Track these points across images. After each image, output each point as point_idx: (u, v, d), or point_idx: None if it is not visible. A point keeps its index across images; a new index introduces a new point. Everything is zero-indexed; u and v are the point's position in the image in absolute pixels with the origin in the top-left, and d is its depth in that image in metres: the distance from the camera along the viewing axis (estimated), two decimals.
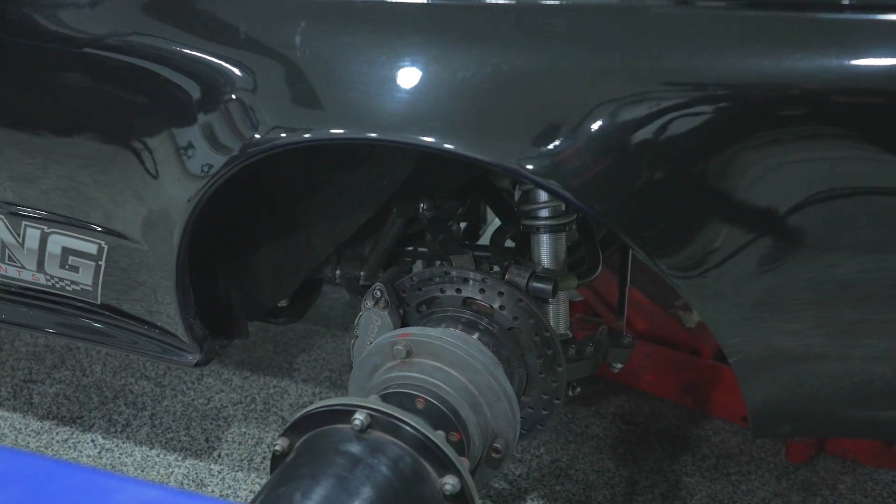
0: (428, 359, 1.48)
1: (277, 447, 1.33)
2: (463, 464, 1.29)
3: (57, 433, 2.38)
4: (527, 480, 2.18)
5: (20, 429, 2.40)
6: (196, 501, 0.67)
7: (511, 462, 2.23)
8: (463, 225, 2.25)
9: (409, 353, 1.49)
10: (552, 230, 1.68)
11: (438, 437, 1.29)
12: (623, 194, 1.30)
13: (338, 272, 1.94)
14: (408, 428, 1.27)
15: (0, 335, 2.86)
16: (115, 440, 2.35)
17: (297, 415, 1.34)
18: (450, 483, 1.25)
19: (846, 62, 1.18)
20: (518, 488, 2.16)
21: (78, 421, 2.43)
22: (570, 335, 1.73)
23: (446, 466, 1.27)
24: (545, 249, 1.70)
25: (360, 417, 1.27)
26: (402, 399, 1.43)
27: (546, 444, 2.31)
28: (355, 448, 1.25)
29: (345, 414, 1.29)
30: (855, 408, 1.39)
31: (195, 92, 1.47)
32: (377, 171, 1.77)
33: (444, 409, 1.43)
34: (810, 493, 2.14)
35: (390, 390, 1.46)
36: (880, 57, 1.16)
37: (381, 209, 1.83)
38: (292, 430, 1.34)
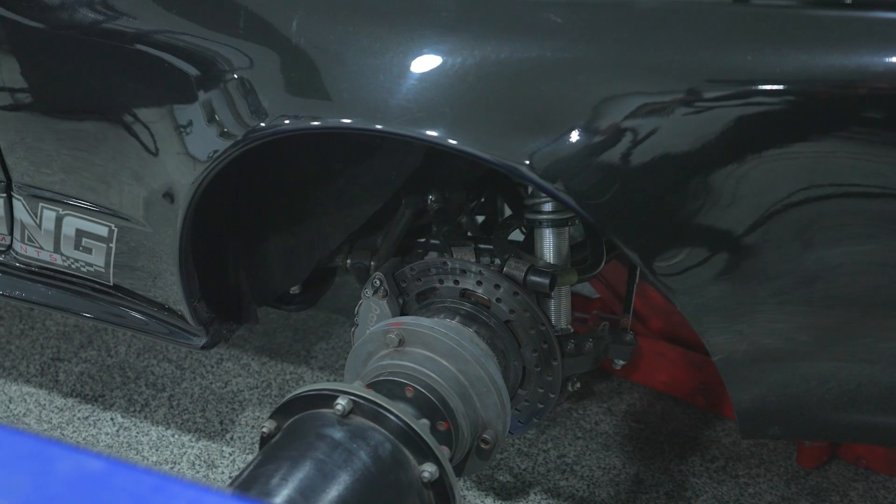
0: (420, 348, 1.50)
1: (265, 429, 1.36)
2: (443, 452, 1.30)
3: (78, 410, 2.44)
4: (531, 474, 2.18)
5: (44, 405, 2.47)
6: (137, 475, 0.69)
7: (517, 455, 2.24)
8: (480, 219, 2.26)
9: (401, 342, 1.51)
10: (554, 224, 1.68)
11: (420, 425, 1.30)
12: (621, 198, 1.30)
13: (348, 261, 1.97)
14: (388, 415, 1.29)
15: (32, 315, 2.94)
16: (133, 419, 2.40)
17: (285, 398, 1.37)
18: (428, 471, 1.26)
19: (846, 62, 1.17)
20: (522, 482, 2.16)
21: (99, 399, 2.49)
22: (572, 330, 1.73)
23: (426, 454, 1.28)
24: (547, 244, 1.70)
25: (342, 403, 1.29)
26: (391, 387, 1.45)
27: (554, 439, 2.31)
28: (336, 433, 1.27)
29: (329, 399, 1.31)
30: (844, 411, 1.36)
31: (201, 77, 1.50)
32: (386, 163, 1.79)
33: (433, 399, 1.44)
34: (819, 499, 2.11)
35: (381, 378, 1.48)
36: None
37: (393, 200, 1.84)
38: (280, 413, 1.37)
